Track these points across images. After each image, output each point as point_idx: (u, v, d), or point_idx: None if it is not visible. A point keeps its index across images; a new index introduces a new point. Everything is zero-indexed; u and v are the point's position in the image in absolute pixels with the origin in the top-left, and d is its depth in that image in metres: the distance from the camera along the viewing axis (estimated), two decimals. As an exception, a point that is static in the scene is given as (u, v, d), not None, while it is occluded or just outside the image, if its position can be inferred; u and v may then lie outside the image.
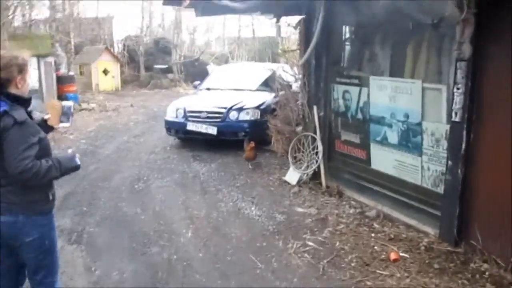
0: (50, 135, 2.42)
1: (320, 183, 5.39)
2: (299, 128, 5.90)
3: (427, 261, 3.47)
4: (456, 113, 3.53)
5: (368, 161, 4.84)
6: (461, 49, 3.34)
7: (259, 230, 4.22)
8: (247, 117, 7.30)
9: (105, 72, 19.08)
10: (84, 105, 12.99)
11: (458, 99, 3.49)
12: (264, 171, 6.23)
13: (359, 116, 4.92)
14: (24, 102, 2.23)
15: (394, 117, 4.38)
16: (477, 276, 3.23)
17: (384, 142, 4.56)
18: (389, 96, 4.40)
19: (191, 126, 7.35)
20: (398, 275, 3.30)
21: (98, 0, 22.55)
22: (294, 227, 4.26)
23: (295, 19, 6.11)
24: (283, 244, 3.91)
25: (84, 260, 3.64)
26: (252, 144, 6.35)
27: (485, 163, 3.46)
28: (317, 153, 5.46)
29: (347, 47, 5.42)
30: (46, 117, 2.49)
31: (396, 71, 4.46)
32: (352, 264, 3.50)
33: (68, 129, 8.56)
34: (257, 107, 7.42)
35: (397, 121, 4.35)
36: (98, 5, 23.05)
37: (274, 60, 16.63)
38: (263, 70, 8.97)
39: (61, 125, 2.51)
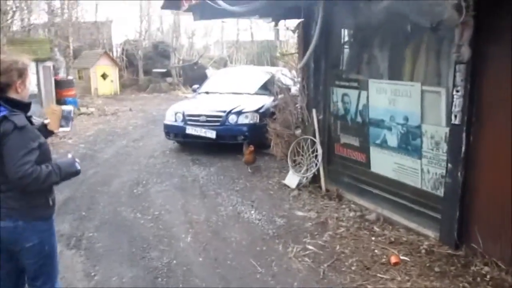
0: (48, 140, 2.41)
1: (320, 187, 5.38)
2: (298, 132, 5.89)
3: (427, 265, 3.46)
4: (455, 116, 3.53)
5: (367, 164, 4.83)
6: (460, 51, 3.35)
7: (259, 234, 4.21)
8: (246, 121, 7.30)
9: (104, 76, 19.09)
10: (83, 110, 12.99)
11: (458, 102, 3.49)
12: (263, 175, 6.22)
13: (359, 119, 4.92)
14: (24, 107, 2.21)
15: (393, 120, 4.38)
16: (478, 279, 3.22)
17: (383, 145, 4.56)
18: (389, 99, 4.40)
19: (190, 130, 7.34)
20: (399, 278, 3.29)
21: (97, 1, 22.59)
22: (294, 231, 4.25)
23: (294, 22, 6.13)
24: (283, 248, 3.89)
25: (83, 265, 3.63)
26: (251, 147, 6.34)
27: (485, 165, 3.45)
28: (316, 156, 5.45)
29: (346, 50, 5.43)
30: (46, 121, 2.48)
31: (395, 74, 4.47)
32: (353, 268, 3.49)
33: (67, 134, 8.54)
34: (256, 111, 7.42)
35: (396, 124, 4.35)
36: (96, 9, 23.11)
37: (273, 64, 16.70)
38: (262, 73, 8.97)
39: (61, 129, 2.50)
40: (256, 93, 8.18)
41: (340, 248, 3.83)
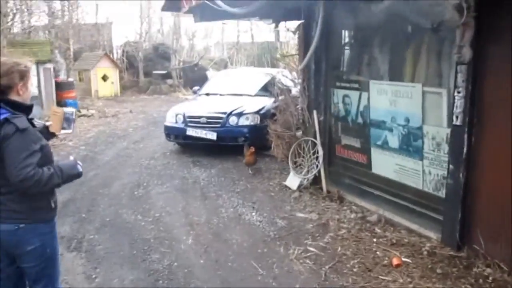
0: (49, 142, 2.41)
1: (321, 188, 5.37)
2: (299, 133, 5.88)
3: (429, 266, 3.45)
4: (457, 117, 3.52)
5: (369, 165, 4.83)
6: (461, 52, 3.34)
7: (260, 236, 4.20)
8: (247, 122, 7.30)
9: (104, 78, 19.10)
10: (83, 111, 12.99)
11: (459, 103, 3.49)
12: (264, 176, 6.21)
13: (360, 120, 4.92)
14: (25, 109, 2.21)
15: (394, 121, 4.38)
16: (481, 281, 3.21)
17: (384, 146, 4.55)
18: (390, 100, 4.39)
19: (190, 132, 7.34)
20: (401, 280, 3.28)
21: (98, 1, 22.62)
22: (295, 233, 4.24)
23: (294, 24, 6.13)
24: (285, 250, 3.88)
25: (84, 268, 3.62)
26: (252, 149, 6.33)
27: (487, 166, 3.45)
28: (317, 157, 5.45)
29: (347, 51, 5.43)
30: (48, 123, 2.48)
31: (396, 75, 4.47)
32: (354, 270, 3.48)
33: (68, 136, 8.54)
34: (257, 112, 7.42)
35: (397, 125, 4.34)
36: (97, 11, 23.15)
37: (273, 65, 16.69)
38: (262, 75, 8.97)
39: (63, 131, 2.50)
40: (257, 95, 8.18)
41: (342, 250, 3.82)
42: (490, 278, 3.22)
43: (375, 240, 3.98)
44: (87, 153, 7.94)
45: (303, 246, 3.93)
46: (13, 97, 2.17)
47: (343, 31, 5.31)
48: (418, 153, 4.14)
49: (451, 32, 3.47)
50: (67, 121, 2.48)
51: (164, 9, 7.21)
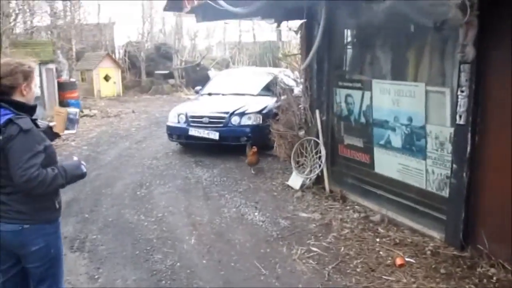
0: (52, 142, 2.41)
1: (324, 188, 5.36)
2: (302, 133, 5.87)
3: (433, 266, 3.43)
4: (460, 116, 3.51)
5: (371, 165, 4.81)
6: (465, 51, 3.33)
7: (263, 236, 4.20)
8: (249, 122, 7.30)
9: (107, 78, 19.13)
10: (85, 111, 13.01)
11: (462, 102, 3.47)
12: (266, 176, 6.20)
13: (362, 120, 4.90)
14: (29, 109, 2.21)
15: (397, 121, 4.36)
16: (485, 281, 3.20)
17: (387, 145, 4.54)
18: (392, 99, 4.38)
19: (193, 132, 7.34)
20: (405, 280, 3.27)
21: (100, 1, 22.66)
22: (298, 233, 4.23)
23: (296, 23, 6.11)
24: (287, 250, 3.88)
25: (87, 268, 3.62)
26: (255, 149, 6.33)
27: (491, 166, 3.43)
28: (320, 157, 5.44)
29: (349, 51, 5.41)
30: (51, 124, 2.48)
31: (399, 75, 4.45)
32: (358, 270, 3.47)
33: (70, 136, 8.56)
34: (259, 112, 7.41)
35: (400, 124, 4.33)
36: (99, 11, 23.18)
37: (275, 65, 16.67)
38: (264, 74, 8.96)
39: (67, 132, 2.50)
40: (259, 94, 8.17)
41: (345, 250, 3.81)
42: (494, 278, 3.21)
43: (378, 240, 3.97)
44: (90, 153, 7.96)
45: (306, 246, 3.92)
46: (17, 97, 2.17)
47: (345, 30, 5.30)
48: (421, 152, 4.13)
49: (454, 31, 3.46)
50: (71, 121, 2.49)
51: (166, 9, 7.19)
